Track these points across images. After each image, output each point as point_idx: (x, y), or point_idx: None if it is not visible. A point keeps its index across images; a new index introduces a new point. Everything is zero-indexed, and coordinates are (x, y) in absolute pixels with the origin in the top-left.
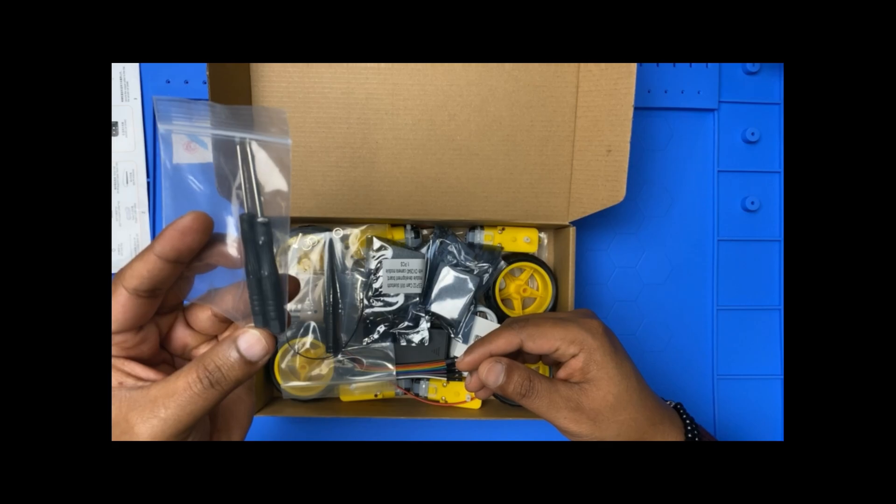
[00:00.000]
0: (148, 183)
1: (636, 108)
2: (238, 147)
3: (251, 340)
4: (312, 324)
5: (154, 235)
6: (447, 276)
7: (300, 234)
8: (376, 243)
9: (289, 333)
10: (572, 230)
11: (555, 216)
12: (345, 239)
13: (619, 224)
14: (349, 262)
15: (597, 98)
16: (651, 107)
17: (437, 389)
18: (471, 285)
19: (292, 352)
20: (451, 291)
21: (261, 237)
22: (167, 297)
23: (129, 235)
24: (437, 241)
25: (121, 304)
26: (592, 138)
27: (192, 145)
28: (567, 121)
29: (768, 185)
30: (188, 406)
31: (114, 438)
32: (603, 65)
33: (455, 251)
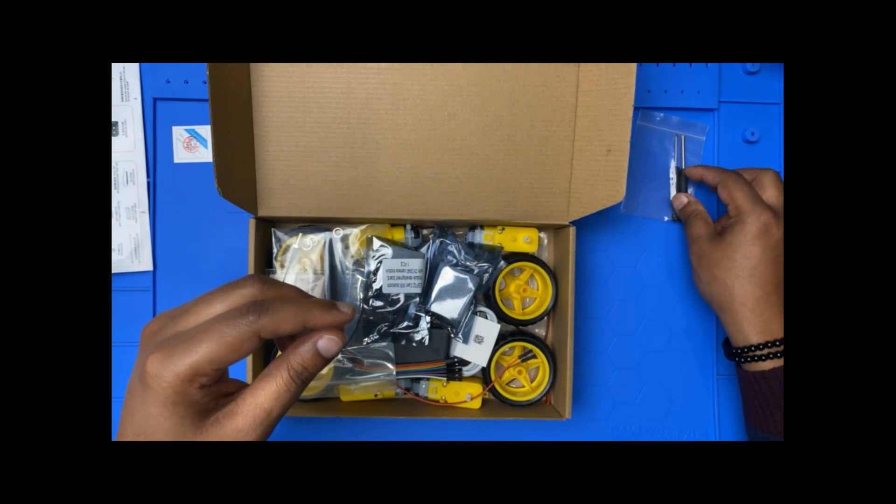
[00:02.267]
0: (148, 183)
1: (636, 108)
2: None
3: (330, 343)
4: None
5: (154, 236)
6: (447, 275)
7: (300, 234)
8: (376, 243)
9: None
10: (572, 230)
11: (555, 216)
12: (345, 239)
13: (619, 224)
14: (349, 262)
15: (597, 98)
16: (651, 106)
17: (437, 389)
18: (471, 285)
19: None
20: (450, 291)
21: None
22: None
23: (129, 235)
24: (437, 241)
25: (252, 348)
26: (592, 138)
27: (192, 144)
28: (567, 121)
29: None
30: (286, 402)
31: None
32: (603, 65)
33: (455, 251)
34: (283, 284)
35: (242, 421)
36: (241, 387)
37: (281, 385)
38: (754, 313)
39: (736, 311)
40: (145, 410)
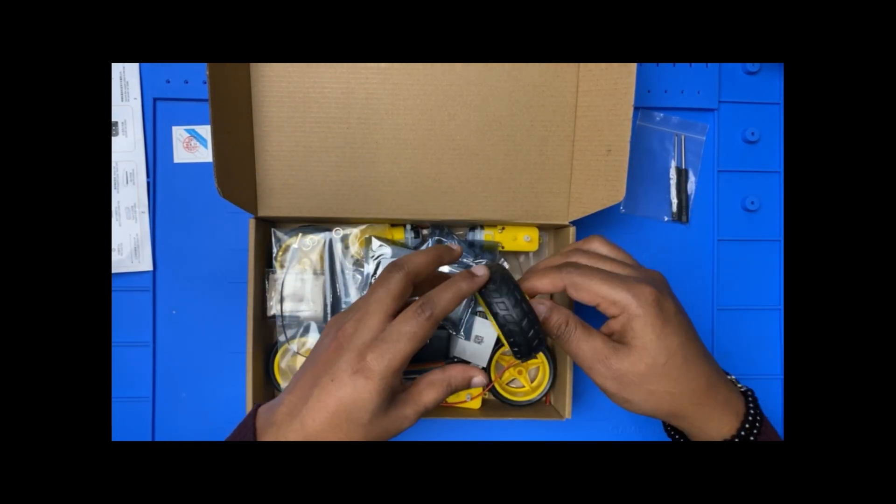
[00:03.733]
0: (148, 183)
1: (636, 108)
2: None
3: (481, 381)
4: (312, 324)
5: (154, 236)
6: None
7: (300, 234)
8: (375, 243)
9: (289, 333)
10: (572, 230)
11: (555, 216)
12: (345, 239)
13: (619, 224)
14: (349, 262)
15: (597, 98)
16: (651, 106)
17: None
18: None
19: (292, 352)
20: None
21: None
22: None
23: (129, 235)
24: (434, 240)
25: (428, 333)
26: (592, 138)
27: (192, 144)
28: (567, 120)
29: (768, 185)
30: (434, 405)
31: (391, 428)
32: (603, 65)
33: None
34: (419, 266)
35: (411, 410)
36: (404, 381)
37: (440, 394)
38: (714, 407)
39: (693, 415)
40: (357, 394)
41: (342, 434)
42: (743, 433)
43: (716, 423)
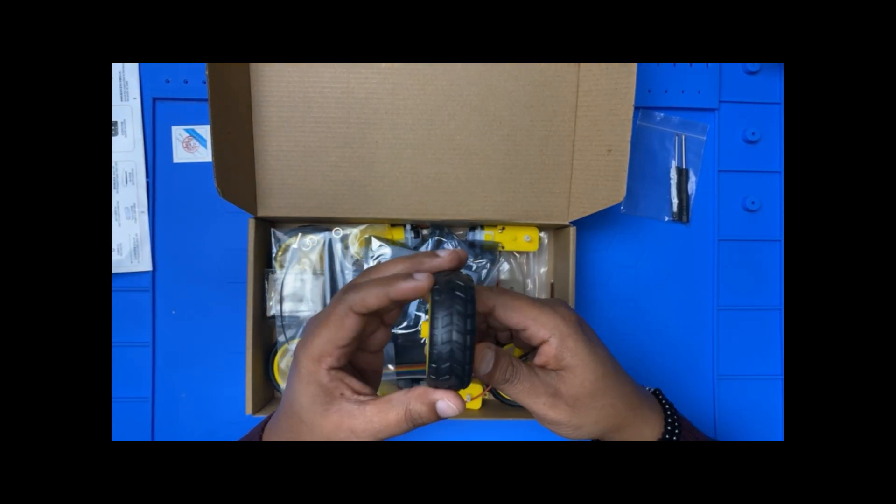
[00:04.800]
0: (147, 183)
1: (636, 108)
2: None
3: (447, 408)
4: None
5: (153, 236)
6: None
7: (300, 234)
8: (375, 243)
9: (289, 334)
10: (572, 230)
11: (555, 216)
12: (344, 239)
13: (620, 224)
14: (349, 263)
15: (597, 98)
16: (651, 106)
17: None
18: None
19: (292, 352)
20: None
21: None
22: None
23: (129, 235)
24: (434, 239)
25: (350, 325)
26: (593, 138)
27: (191, 144)
28: (567, 120)
29: (769, 184)
30: (394, 433)
31: (334, 437)
32: (603, 65)
33: (451, 248)
34: (386, 267)
35: (359, 426)
36: (363, 388)
37: (393, 420)
38: (643, 408)
39: (632, 421)
40: (292, 387)
41: (294, 432)
42: (669, 429)
43: (649, 424)
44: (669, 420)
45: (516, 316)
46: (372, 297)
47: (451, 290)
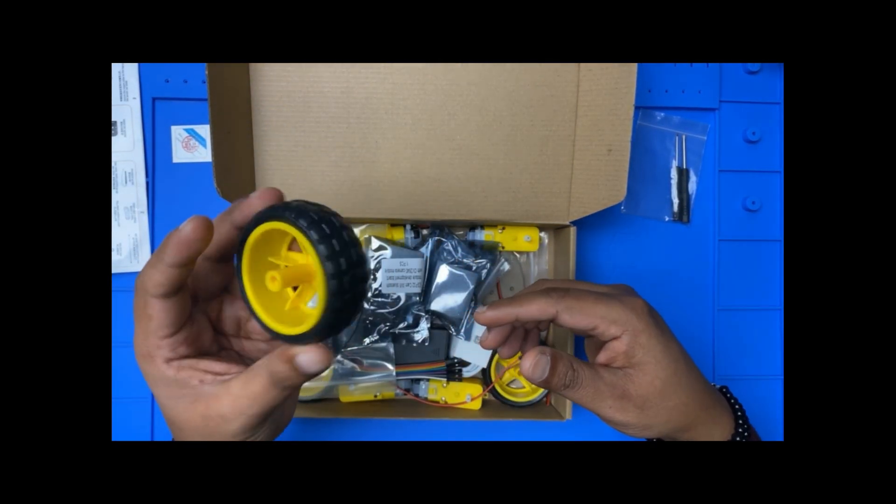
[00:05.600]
0: (147, 182)
1: (637, 108)
2: None
3: (308, 361)
4: None
5: (153, 236)
6: (443, 272)
7: None
8: (375, 243)
9: None
10: (573, 230)
11: (555, 216)
12: None
13: (620, 224)
14: None
15: (597, 97)
16: (652, 106)
17: (437, 390)
18: (469, 282)
19: None
20: (448, 288)
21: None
22: (204, 284)
23: (129, 235)
24: (434, 240)
25: (157, 311)
26: (593, 138)
27: (191, 143)
28: (567, 120)
29: (769, 184)
30: (266, 404)
31: (208, 432)
32: (603, 64)
33: (451, 248)
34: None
35: (227, 408)
36: (237, 372)
37: (259, 387)
38: (716, 408)
39: (704, 421)
40: (152, 390)
41: (176, 438)
42: (740, 430)
43: (720, 425)
44: (740, 420)
45: (584, 319)
46: (155, 273)
47: (305, 211)
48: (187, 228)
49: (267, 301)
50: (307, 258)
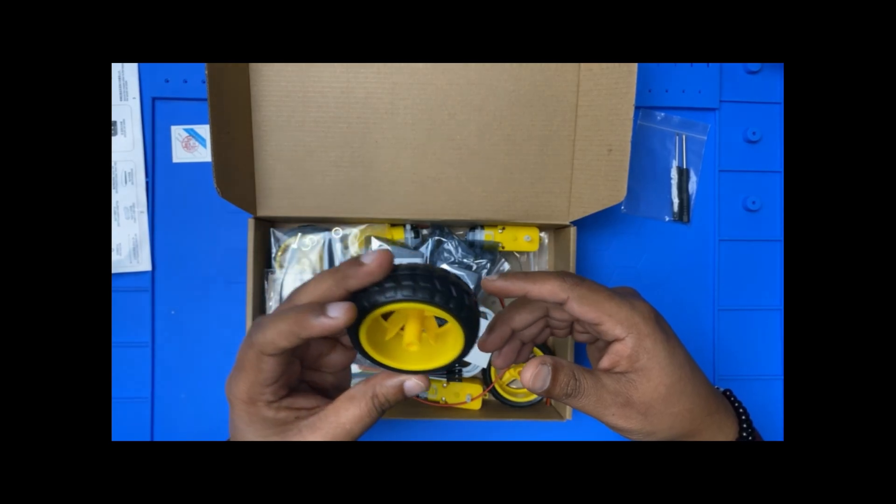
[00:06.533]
0: (147, 182)
1: (637, 108)
2: None
3: (415, 385)
4: None
5: (153, 236)
6: None
7: (299, 235)
8: (374, 243)
9: None
10: (573, 230)
11: (555, 216)
12: (344, 239)
13: (620, 224)
14: None
15: (597, 97)
16: (652, 106)
17: (437, 390)
18: (469, 282)
19: None
20: None
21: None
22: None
23: (129, 235)
24: (434, 240)
25: (269, 367)
26: (593, 138)
27: (190, 143)
28: (568, 120)
29: (769, 184)
30: (367, 426)
31: None
32: (604, 64)
33: (451, 248)
34: (308, 289)
35: (322, 436)
36: (323, 402)
37: (364, 410)
38: (720, 412)
39: (708, 426)
40: (234, 424)
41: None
42: (744, 434)
43: (724, 430)
44: (745, 424)
45: (592, 311)
46: (282, 339)
47: (430, 276)
48: (337, 315)
49: (381, 348)
50: (421, 311)
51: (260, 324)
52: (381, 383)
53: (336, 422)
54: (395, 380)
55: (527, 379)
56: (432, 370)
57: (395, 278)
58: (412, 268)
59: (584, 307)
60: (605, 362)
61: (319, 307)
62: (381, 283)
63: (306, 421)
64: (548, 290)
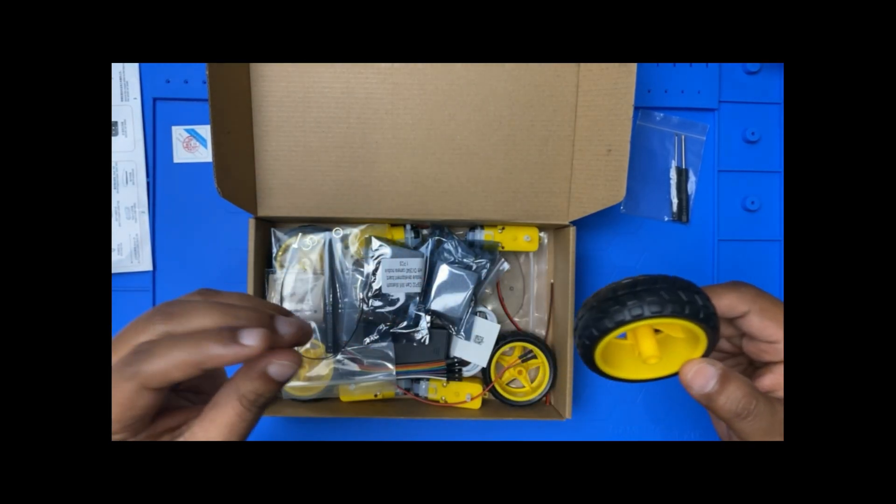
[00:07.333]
0: (147, 182)
1: (636, 108)
2: None
3: (280, 368)
4: (313, 324)
5: (154, 236)
6: (443, 272)
7: (300, 234)
8: (375, 243)
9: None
10: (572, 230)
11: (555, 216)
12: (344, 239)
13: (620, 224)
14: (349, 263)
15: (597, 98)
16: (651, 106)
17: (437, 389)
18: (468, 281)
19: None
20: (448, 287)
21: None
22: None
23: (129, 235)
24: (434, 239)
25: (147, 403)
26: (592, 138)
27: (191, 143)
28: (567, 120)
29: (768, 184)
30: (242, 431)
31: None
32: (603, 64)
33: (451, 248)
34: (202, 310)
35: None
36: (190, 412)
37: (233, 416)
38: None
39: None
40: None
41: None
42: None
43: None
44: None
45: (773, 328)
46: (176, 371)
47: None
48: (252, 343)
49: (612, 362)
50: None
51: (145, 351)
52: (242, 380)
53: (205, 438)
54: (255, 370)
55: (688, 375)
56: (668, 376)
57: (637, 294)
58: (648, 281)
59: (766, 323)
60: (765, 383)
61: (228, 333)
62: (623, 301)
63: (176, 441)
64: (725, 304)
